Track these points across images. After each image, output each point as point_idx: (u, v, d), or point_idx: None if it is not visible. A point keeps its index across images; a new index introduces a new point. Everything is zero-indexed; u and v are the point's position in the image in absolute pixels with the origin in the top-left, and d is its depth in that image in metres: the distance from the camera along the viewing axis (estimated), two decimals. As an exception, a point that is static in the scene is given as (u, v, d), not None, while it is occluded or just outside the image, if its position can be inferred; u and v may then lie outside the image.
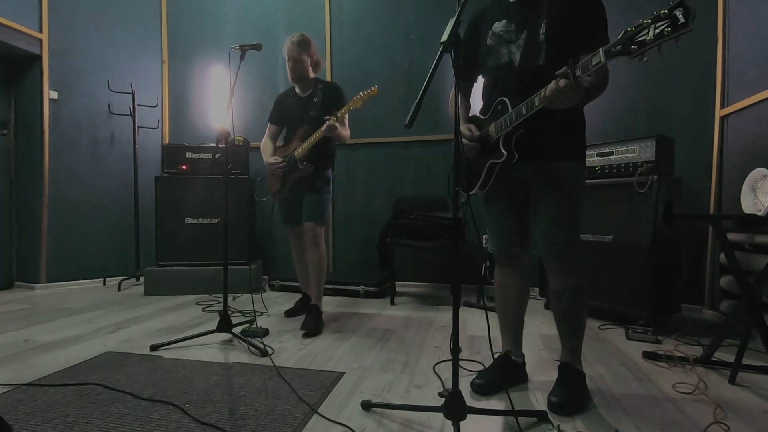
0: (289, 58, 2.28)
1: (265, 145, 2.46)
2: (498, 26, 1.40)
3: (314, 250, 2.29)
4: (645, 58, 0.98)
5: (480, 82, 1.54)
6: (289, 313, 2.53)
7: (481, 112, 1.47)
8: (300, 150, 2.25)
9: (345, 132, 2.31)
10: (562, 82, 1.11)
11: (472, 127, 1.43)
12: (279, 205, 2.48)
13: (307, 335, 2.12)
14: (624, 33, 1.00)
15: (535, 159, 1.34)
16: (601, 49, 1.04)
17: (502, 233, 1.50)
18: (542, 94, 1.17)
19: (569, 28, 1.27)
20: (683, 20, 0.89)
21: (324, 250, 2.33)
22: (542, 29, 1.30)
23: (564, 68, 1.11)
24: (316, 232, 2.28)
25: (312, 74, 2.37)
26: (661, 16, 0.93)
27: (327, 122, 2.12)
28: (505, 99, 1.33)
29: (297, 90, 2.41)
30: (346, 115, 2.24)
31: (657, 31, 0.94)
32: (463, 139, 1.43)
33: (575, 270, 1.38)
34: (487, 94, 1.47)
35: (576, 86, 1.11)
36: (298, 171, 2.28)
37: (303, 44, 2.26)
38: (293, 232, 2.49)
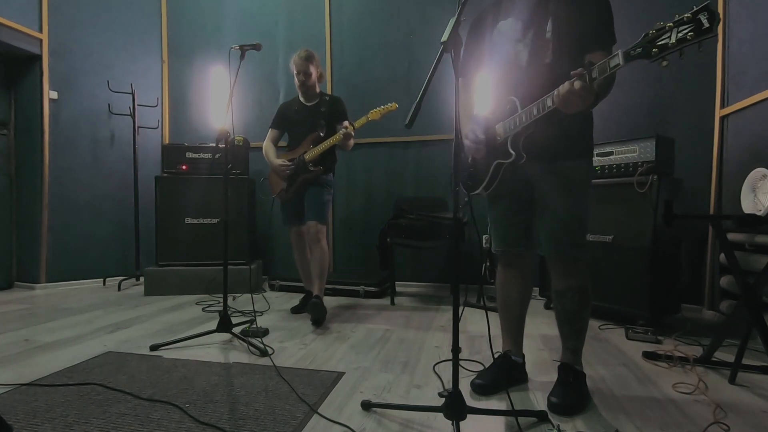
0: (298, 72, 2.42)
1: (268, 148, 2.57)
2: (504, 24, 1.39)
3: (317, 246, 2.40)
4: (665, 62, 0.95)
5: (482, 79, 1.53)
6: (296, 310, 2.59)
7: (488, 110, 1.46)
8: (311, 154, 2.38)
9: (353, 141, 2.46)
10: (578, 83, 1.08)
11: (478, 130, 1.40)
12: (282, 206, 2.56)
13: (315, 323, 2.29)
14: (644, 36, 0.97)
15: (542, 159, 1.33)
16: (620, 51, 1.01)
17: (507, 233, 1.49)
18: (555, 94, 1.15)
19: (575, 27, 1.25)
20: (707, 25, 0.85)
21: (326, 246, 2.44)
22: (548, 27, 1.29)
23: (580, 69, 1.08)
24: (318, 229, 2.40)
25: (317, 87, 2.53)
26: (684, 20, 0.89)
27: (344, 130, 2.30)
28: (514, 99, 1.32)
29: (302, 99, 2.53)
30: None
31: (680, 35, 0.90)
32: (467, 141, 1.42)
33: (579, 270, 1.37)
34: (493, 93, 1.46)
35: (591, 88, 1.09)
36: (308, 173, 2.40)
37: (309, 58, 2.42)
38: (296, 230, 2.56)
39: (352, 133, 2.34)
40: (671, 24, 0.93)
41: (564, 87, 1.11)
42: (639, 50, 0.98)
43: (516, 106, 1.31)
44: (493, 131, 1.40)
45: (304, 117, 2.50)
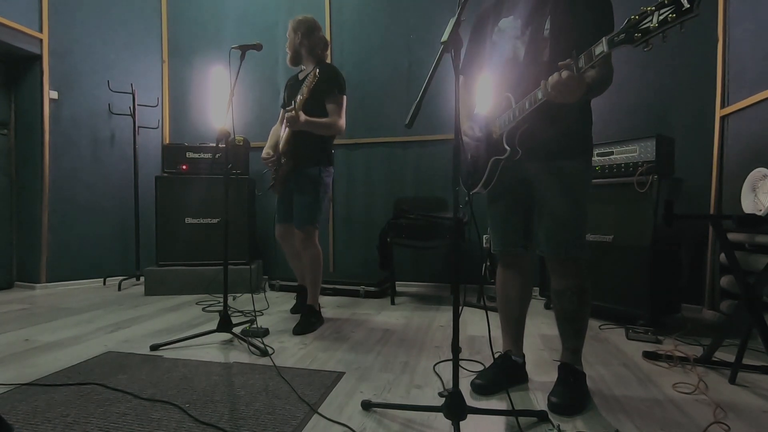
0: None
1: (272, 132, 2.39)
2: (504, 22, 1.39)
3: (306, 252, 2.25)
4: (649, 47, 0.95)
5: (484, 78, 1.53)
6: (294, 310, 2.55)
7: (487, 109, 1.46)
8: (282, 144, 2.13)
9: (329, 120, 2.10)
10: (565, 73, 1.09)
11: (474, 126, 1.42)
12: (277, 200, 2.40)
13: (297, 333, 2.13)
14: (627, 21, 0.97)
15: (540, 157, 1.33)
16: (604, 38, 1.02)
17: (506, 233, 1.49)
18: (544, 85, 1.15)
19: (574, 25, 1.25)
20: (688, 5, 0.86)
21: (317, 250, 2.26)
22: (547, 24, 1.29)
23: (567, 60, 1.09)
24: (303, 236, 2.22)
25: (309, 56, 2.28)
26: (665, 2, 0.90)
27: (288, 115, 1.98)
28: (509, 95, 1.32)
29: (300, 73, 2.35)
30: (343, 105, 2.18)
31: (661, 17, 0.90)
32: (466, 138, 1.42)
33: (579, 270, 1.37)
34: (493, 91, 1.46)
35: (579, 78, 1.09)
36: (281, 166, 2.17)
37: (293, 23, 2.30)
38: (278, 228, 2.41)
39: (297, 116, 1.96)
40: (653, 7, 0.93)
41: (553, 78, 1.11)
42: (622, 36, 0.98)
43: (510, 101, 1.31)
44: (490, 128, 1.40)
45: (292, 94, 2.22)
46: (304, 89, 2.00)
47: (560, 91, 1.11)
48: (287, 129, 2.08)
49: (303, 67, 2.35)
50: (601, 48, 1.03)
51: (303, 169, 2.17)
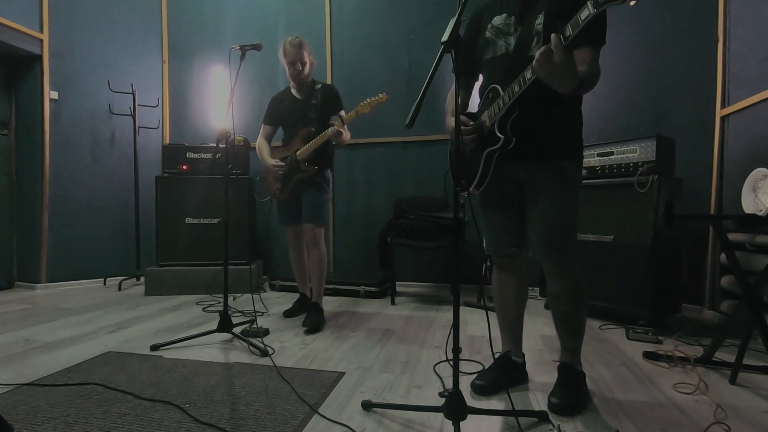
0: (293, 62, 2.28)
1: (262, 146, 2.47)
2: (497, 19, 1.39)
3: (314, 250, 2.33)
4: (633, 2, 0.95)
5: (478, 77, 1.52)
6: (288, 314, 2.52)
7: (477, 106, 1.46)
8: (303, 151, 2.27)
9: (347, 135, 2.29)
10: (554, 39, 1.06)
11: (464, 119, 1.40)
12: (278, 205, 2.49)
13: (308, 332, 2.17)
14: None
15: (531, 157, 1.33)
16: (588, 2, 1.01)
17: (498, 235, 1.49)
18: (533, 62, 1.12)
19: (567, 20, 1.25)
20: None
21: (324, 249, 2.36)
22: (539, 20, 1.29)
23: (553, 34, 1.07)
24: (315, 232, 2.32)
25: (310, 74, 2.39)
26: None
27: (333, 127, 2.16)
28: (497, 86, 1.32)
29: (294, 92, 2.42)
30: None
31: None
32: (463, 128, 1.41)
33: (573, 272, 1.37)
34: (483, 88, 1.45)
35: (567, 55, 1.06)
36: (301, 172, 2.30)
37: (302, 44, 2.28)
38: (292, 230, 2.50)
39: (342, 130, 2.18)
40: None
41: (540, 50, 1.09)
42: None
43: (498, 91, 1.31)
44: (479, 122, 1.39)
45: (297, 112, 2.37)
46: (352, 113, 2.21)
47: (547, 59, 1.07)
48: (318, 139, 2.23)
49: (292, 83, 2.41)
50: (586, 11, 1.01)
51: (320, 172, 2.33)
